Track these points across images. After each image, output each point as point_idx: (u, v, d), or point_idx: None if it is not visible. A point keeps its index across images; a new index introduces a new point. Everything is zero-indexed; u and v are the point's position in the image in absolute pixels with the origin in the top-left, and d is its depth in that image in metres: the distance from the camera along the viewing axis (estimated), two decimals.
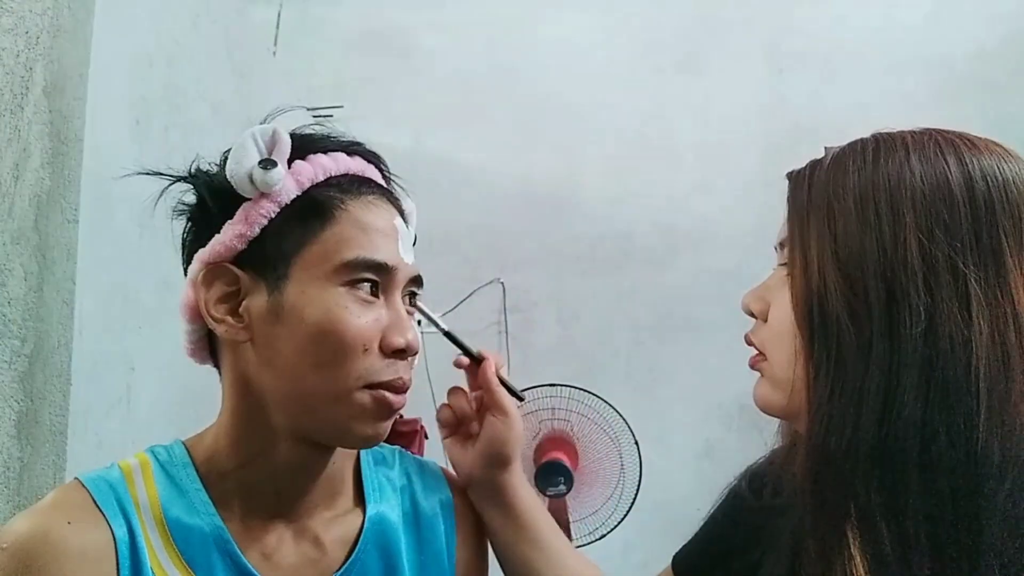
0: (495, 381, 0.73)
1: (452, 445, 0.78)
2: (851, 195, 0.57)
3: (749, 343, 0.66)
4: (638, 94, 2.52)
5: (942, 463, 0.52)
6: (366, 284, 0.61)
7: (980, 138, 0.59)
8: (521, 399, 0.76)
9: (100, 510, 0.58)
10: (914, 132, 0.60)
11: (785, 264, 0.61)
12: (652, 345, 2.41)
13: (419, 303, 0.69)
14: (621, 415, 1.99)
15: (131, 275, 1.27)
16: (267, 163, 0.59)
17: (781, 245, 0.63)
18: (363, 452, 0.73)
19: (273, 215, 0.61)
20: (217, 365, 0.67)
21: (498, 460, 0.73)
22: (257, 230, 0.61)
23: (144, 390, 1.31)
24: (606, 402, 1.99)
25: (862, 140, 0.61)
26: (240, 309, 0.61)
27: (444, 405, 0.77)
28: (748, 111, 2.44)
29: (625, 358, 2.41)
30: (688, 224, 2.42)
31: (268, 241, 0.61)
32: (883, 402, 0.53)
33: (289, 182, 0.61)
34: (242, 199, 0.61)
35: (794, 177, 0.63)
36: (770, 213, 0.69)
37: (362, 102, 2.47)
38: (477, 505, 0.77)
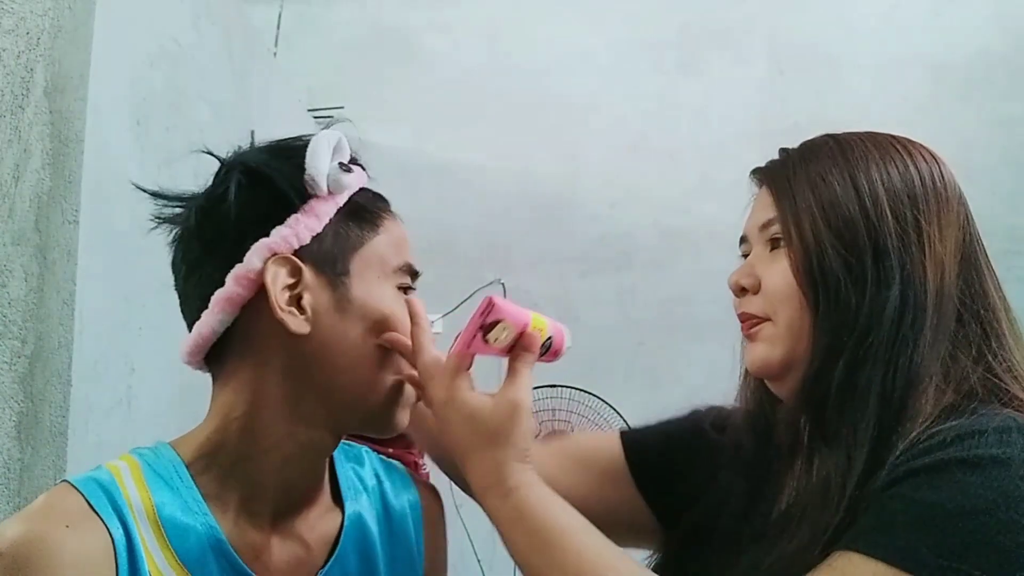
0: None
1: None
2: (834, 175, 0.68)
3: (746, 316, 0.71)
4: (638, 94, 2.52)
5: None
6: (405, 287, 0.67)
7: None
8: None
9: (96, 513, 0.57)
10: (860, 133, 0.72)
11: (769, 244, 0.71)
12: (652, 345, 2.41)
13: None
14: (621, 416, 1.99)
15: (132, 276, 1.27)
16: (346, 166, 0.64)
17: (763, 226, 0.72)
18: (336, 451, 0.74)
19: (333, 214, 0.65)
20: (218, 364, 0.66)
21: None
22: (321, 227, 0.64)
23: (144, 391, 1.31)
24: (606, 402, 1.99)
25: (820, 138, 0.74)
26: (302, 302, 0.62)
27: None
28: (748, 111, 2.45)
29: (625, 358, 2.41)
30: (688, 224, 2.42)
31: (327, 238, 0.64)
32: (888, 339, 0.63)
33: (352, 186, 0.67)
34: (304, 196, 0.63)
35: (767, 169, 0.76)
36: None
37: (362, 102, 2.47)
38: None
